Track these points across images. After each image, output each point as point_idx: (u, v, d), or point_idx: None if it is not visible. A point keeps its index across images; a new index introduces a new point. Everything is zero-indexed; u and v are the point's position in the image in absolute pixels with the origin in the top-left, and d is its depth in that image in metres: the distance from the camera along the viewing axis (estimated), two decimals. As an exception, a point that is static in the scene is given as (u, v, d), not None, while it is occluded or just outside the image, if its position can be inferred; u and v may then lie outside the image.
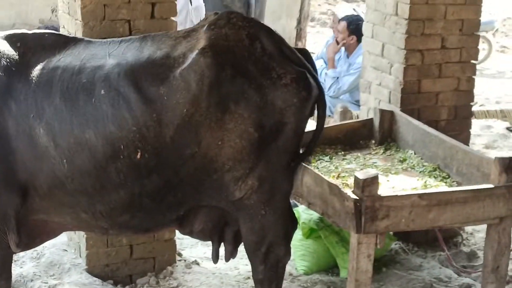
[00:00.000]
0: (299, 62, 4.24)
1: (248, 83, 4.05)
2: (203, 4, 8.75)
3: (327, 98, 7.73)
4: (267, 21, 12.42)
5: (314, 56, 8.09)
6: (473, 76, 6.09)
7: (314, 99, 4.27)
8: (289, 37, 13.06)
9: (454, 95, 6.04)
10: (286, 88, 4.12)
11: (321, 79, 7.55)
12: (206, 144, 4.05)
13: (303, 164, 4.67)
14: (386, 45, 6.05)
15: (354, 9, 8.80)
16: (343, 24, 7.89)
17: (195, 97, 3.98)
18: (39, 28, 9.96)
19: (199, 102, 3.99)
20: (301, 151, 4.46)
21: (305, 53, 4.41)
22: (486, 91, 11.87)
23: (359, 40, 7.43)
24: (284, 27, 13.14)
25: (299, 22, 12.46)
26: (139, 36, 4.25)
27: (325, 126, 4.60)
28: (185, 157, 4.07)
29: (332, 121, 7.17)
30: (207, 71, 3.97)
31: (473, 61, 6.07)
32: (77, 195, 4.13)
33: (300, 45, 12.92)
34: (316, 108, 4.37)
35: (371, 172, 4.42)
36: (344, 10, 8.74)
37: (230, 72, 4.02)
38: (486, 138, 9.28)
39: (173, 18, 5.17)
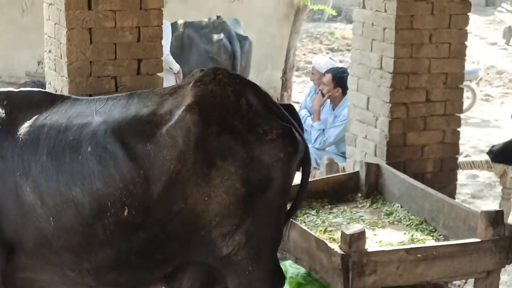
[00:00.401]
0: (285, 118, 4.26)
1: (234, 139, 4.06)
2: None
3: (313, 150, 7.79)
4: (253, 72, 12.52)
5: (297, 106, 8.14)
6: (458, 129, 6.14)
7: (301, 154, 4.28)
8: (275, 87, 13.16)
9: (439, 148, 6.08)
10: (272, 143, 4.13)
11: (304, 126, 7.60)
12: (193, 200, 4.05)
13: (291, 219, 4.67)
14: (371, 99, 6.09)
15: (330, 58, 8.86)
16: (328, 76, 7.95)
17: (182, 154, 3.98)
18: (25, 82, 9.98)
19: (186, 158, 3.99)
20: (288, 207, 4.46)
21: (290, 108, 4.43)
22: (472, 140, 11.95)
23: (344, 93, 7.48)
24: (270, 78, 13.24)
25: (284, 72, 12.56)
26: (126, 94, 4.27)
27: (311, 179, 4.61)
28: (172, 213, 4.06)
29: (318, 173, 7.19)
30: (194, 127, 3.99)
31: (457, 114, 6.12)
32: (63, 253, 4.10)
33: (286, 95, 13.01)
34: (301, 164, 4.38)
35: (358, 227, 4.42)
36: (321, 60, 8.79)
37: (216, 128, 4.03)
38: (472, 188, 9.32)
39: (159, 74, 5.20)
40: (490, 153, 5.50)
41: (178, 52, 9.98)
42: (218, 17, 10.38)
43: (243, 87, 4.19)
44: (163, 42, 5.28)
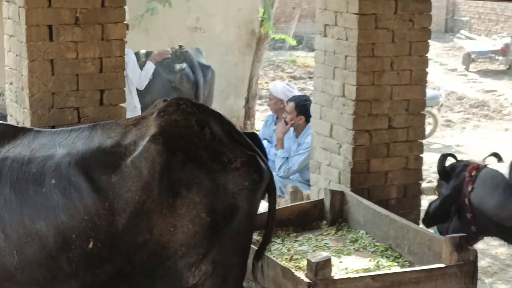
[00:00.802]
0: (249, 146, 4.27)
1: (199, 168, 4.06)
2: None
3: (278, 178, 7.80)
4: (216, 100, 12.52)
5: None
6: (421, 155, 6.19)
7: (266, 181, 4.29)
8: (238, 116, 13.18)
9: (403, 174, 6.12)
10: (237, 172, 4.13)
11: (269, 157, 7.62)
12: (159, 230, 4.03)
13: (255, 247, 4.66)
14: (334, 126, 6.13)
15: (287, 84, 8.89)
16: (291, 104, 7.98)
17: (147, 184, 3.97)
18: (-14, 113, 9.88)
19: (151, 189, 3.98)
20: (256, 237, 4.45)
21: (254, 137, 4.45)
22: (434, 166, 12.02)
23: (307, 120, 7.51)
24: (233, 106, 13.26)
25: (247, 101, 12.59)
26: (89, 125, 4.26)
27: (277, 207, 4.59)
28: (138, 244, 4.03)
29: (283, 201, 7.19)
30: (158, 158, 3.98)
31: (420, 140, 6.17)
32: (27, 287, 4.05)
33: (249, 124, 13.03)
34: (267, 191, 4.38)
35: (324, 254, 4.42)
36: (278, 86, 8.82)
37: (181, 158, 4.03)
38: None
39: (122, 105, 5.19)
40: (424, 222, 5.58)
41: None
42: (180, 46, 10.38)
43: (206, 116, 4.19)
44: (132, 77, 5.28)
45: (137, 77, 9.42)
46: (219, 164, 4.11)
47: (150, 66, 9.71)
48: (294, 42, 20.89)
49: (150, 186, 3.97)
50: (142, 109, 9.45)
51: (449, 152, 5.98)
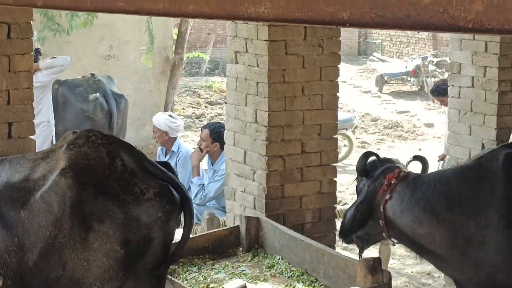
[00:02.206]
0: (162, 176, 4.24)
1: (111, 200, 4.02)
2: None
3: (194, 206, 7.76)
4: (131, 128, 12.46)
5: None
6: (334, 178, 6.25)
7: (179, 211, 4.26)
8: (154, 143, 13.11)
9: (317, 198, 6.17)
10: (150, 203, 4.10)
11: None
12: (72, 265, 3.96)
13: (172, 277, 4.63)
14: (248, 152, 6.15)
15: (170, 115, 8.85)
16: (206, 131, 7.98)
17: (57, 219, 3.91)
18: None
19: (62, 224, 3.92)
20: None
21: (167, 165, 4.42)
22: (350, 188, 12.18)
23: (222, 147, 7.52)
24: (149, 134, 13.18)
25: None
26: (-4, 160, 4.18)
27: (193, 235, 4.57)
28: (50, 281, 3.96)
29: (200, 229, 7.17)
30: (69, 191, 3.92)
31: (333, 164, 6.23)
32: None
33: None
34: (183, 217, 4.35)
35: (239, 282, 4.43)
36: (160, 118, 8.75)
37: (92, 191, 3.98)
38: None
39: (31, 137, 5.11)
40: (340, 236, 5.44)
41: (53, 111, 9.83)
42: (92, 75, 10.30)
43: (117, 147, 4.15)
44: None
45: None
46: (132, 195, 4.07)
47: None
48: (206, 56, 20.95)
49: (61, 221, 3.90)
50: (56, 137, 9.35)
51: (370, 151, 5.84)
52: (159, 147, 9.06)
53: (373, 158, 5.19)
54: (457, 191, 4.65)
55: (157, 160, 8.84)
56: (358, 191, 5.16)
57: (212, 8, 3.06)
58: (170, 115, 8.81)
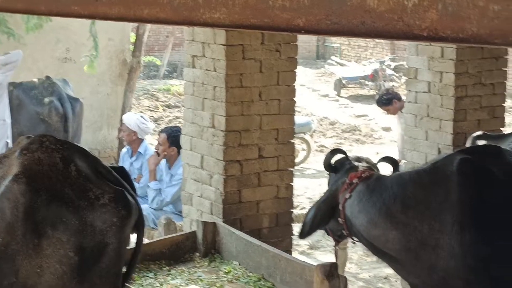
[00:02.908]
0: (116, 181, 4.20)
1: (65, 206, 3.96)
2: None
3: (151, 211, 7.73)
4: (88, 132, 12.36)
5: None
6: (291, 183, 6.24)
7: (135, 217, 4.22)
8: (112, 147, 13.04)
9: (274, 203, 6.16)
10: (104, 208, 4.05)
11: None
12: (25, 273, 3.90)
13: (127, 284, 4.58)
14: (205, 157, 6.12)
15: (142, 117, 8.83)
16: (163, 135, 7.93)
17: (10, 226, 3.85)
18: None
19: (14, 230, 3.85)
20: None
21: (122, 171, 4.38)
22: (308, 191, 12.20)
23: (179, 151, 7.49)
24: (106, 137, 13.12)
25: (120, 131, 12.43)
26: None
27: (150, 240, 4.53)
28: (3, 288, 3.90)
29: (156, 234, 7.12)
30: (22, 198, 3.86)
31: (290, 168, 6.23)
32: None
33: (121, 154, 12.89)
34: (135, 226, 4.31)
35: (195, 288, 4.39)
36: (131, 117, 8.74)
37: (46, 197, 3.92)
38: (310, 239, 9.44)
39: None
40: (300, 236, 5.32)
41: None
42: (47, 77, 10.18)
43: (71, 153, 4.10)
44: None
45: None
46: (86, 201, 4.02)
47: None
48: (159, 62, 20.89)
49: (13, 228, 3.84)
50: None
51: (339, 148, 5.76)
52: (125, 148, 9.01)
53: (342, 156, 5.21)
54: (412, 195, 4.67)
55: (121, 159, 8.80)
56: (328, 185, 5.20)
57: (167, 13, 3.03)
58: (141, 116, 8.80)
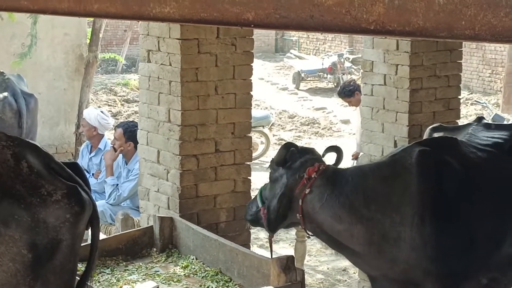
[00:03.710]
0: (69, 177, 4.15)
1: (17, 203, 3.92)
2: None
3: (108, 206, 7.67)
4: (45, 127, 12.25)
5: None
6: (249, 177, 6.23)
7: (88, 213, 4.19)
8: (69, 142, 12.93)
9: (231, 197, 6.15)
10: (57, 205, 4.01)
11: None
12: (-23, 271, 3.85)
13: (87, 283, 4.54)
14: (161, 152, 6.09)
15: (102, 112, 8.77)
16: (119, 130, 7.88)
17: (-40, 224, 3.79)
18: None
19: (-35, 228, 3.80)
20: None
21: (75, 167, 4.33)
22: (267, 185, 12.20)
23: (136, 146, 7.44)
24: (63, 133, 13.00)
25: (77, 127, 12.34)
26: None
27: (107, 235, 4.50)
28: (-46, 287, 3.85)
29: (114, 229, 7.08)
30: (-28, 195, 3.81)
31: (247, 162, 6.22)
32: None
33: (80, 149, 12.81)
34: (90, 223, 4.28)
35: (151, 284, 4.38)
36: (92, 113, 8.68)
37: (-3, 194, 3.87)
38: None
39: None
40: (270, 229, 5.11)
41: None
42: (1, 73, 10.06)
43: (22, 149, 4.05)
44: None
45: None
46: (38, 197, 3.98)
47: None
48: (122, 59, 20.83)
49: (-37, 225, 3.79)
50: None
51: (291, 142, 5.64)
52: (84, 143, 8.94)
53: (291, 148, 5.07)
54: (373, 188, 4.67)
55: (80, 155, 8.73)
56: (273, 180, 4.96)
57: (117, 8, 3.00)
58: (102, 112, 8.72)
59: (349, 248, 4.72)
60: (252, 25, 2.50)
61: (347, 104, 11.16)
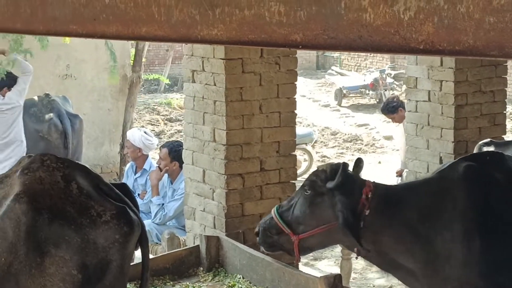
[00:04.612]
0: (118, 198, 4.20)
1: (67, 224, 3.97)
2: None
3: (154, 226, 7.72)
4: (90, 148, 12.37)
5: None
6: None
7: (137, 233, 4.22)
8: (114, 162, 13.03)
9: (277, 216, 6.14)
10: (107, 225, 4.06)
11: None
12: (28, 292, 3.91)
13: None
14: (207, 171, 6.12)
15: (146, 133, 8.82)
16: (165, 150, 7.93)
17: (12, 245, 3.85)
18: None
19: (17, 250, 3.86)
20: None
21: (124, 188, 4.38)
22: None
23: (181, 166, 7.48)
24: (108, 153, 13.12)
25: (122, 146, 12.45)
26: (-51, 187, 4.10)
27: (153, 255, 4.52)
28: (6, 307, 3.90)
29: (160, 249, 7.12)
30: (23, 217, 3.87)
31: (292, 181, 6.22)
32: None
33: (125, 170, 12.91)
34: (139, 244, 4.31)
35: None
36: (136, 134, 8.73)
37: (47, 215, 3.93)
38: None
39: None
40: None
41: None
42: (46, 94, 10.21)
43: (72, 171, 4.11)
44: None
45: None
46: (88, 218, 4.02)
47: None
48: (166, 80, 20.99)
49: (16, 247, 3.85)
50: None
51: (338, 162, 5.24)
52: (129, 163, 9.01)
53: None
54: (425, 205, 4.58)
55: (125, 175, 8.80)
56: (315, 203, 4.61)
57: (165, 31, 3.04)
58: (145, 132, 8.79)
59: (403, 267, 4.61)
60: (300, 46, 2.51)
61: (390, 120, 11.09)
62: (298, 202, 4.72)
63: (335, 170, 4.67)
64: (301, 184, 5.93)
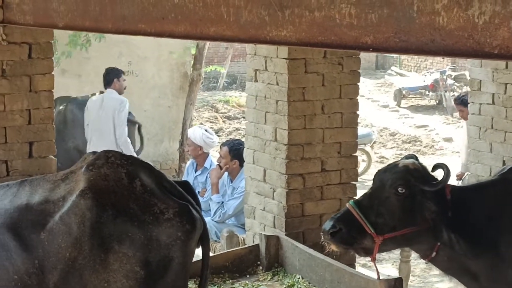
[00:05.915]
0: (181, 196, 4.23)
1: (131, 221, 4.01)
2: None
3: (213, 223, 7.76)
4: (150, 144, 12.47)
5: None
6: (354, 196, 6.20)
7: (199, 231, 4.24)
8: (173, 159, 13.13)
9: (337, 216, 6.12)
10: (169, 223, 4.09)
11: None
12: (92, 287, 3.95)
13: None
14: (267, 171, 6.13)
15: (206, 131, 8.86)
16: (225, 149, 7.97)
17: (77, 240, 3.90)
18: None
19: (81, 245, 3.91)
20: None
21: (186, 185, 4.41)
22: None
23: (241, 164, 7.50)
24: (167, 150, 13.22)
25: (181, 143, 12.54)
26: (17, 182, 4.17)
27: (212, 253, 4.53)
28: (70, 302, 3.95)
29: (219, 246, 7.15)
30: (88, 213, 3.92)
31: (353, 182, 6.20)
32: None
33: (184, 166, 12.99)
34: (200, 240, 4.33)
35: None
36: (197, 132, 8.77)
37: (112, 212, 3.97)
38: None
39: (51, 156, 5.11)
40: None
41: (62, 127, 9.87)
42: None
43: (136, 168, 4.14)
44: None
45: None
46: (151, 215, 4.06)
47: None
48: (223, 69, 21.09)
49: (80, 242, 3.90)
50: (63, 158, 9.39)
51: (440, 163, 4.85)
52: (189, 161, 9.06)
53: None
54: (494, 208, 4.50)
55: (185, 172, 8.86)
56: (405, 205, 4.42)
57: (234, 31, 3.05)
58: (206, 130, 8.84)
59: (470, 271, 4.52)
60: (371, 49, 2.50)
61: (458, 114, 10.87)
62: (386, 201, 4.49)
63: (426, 169, 4.54)
64: (359, 184, 5.90)
